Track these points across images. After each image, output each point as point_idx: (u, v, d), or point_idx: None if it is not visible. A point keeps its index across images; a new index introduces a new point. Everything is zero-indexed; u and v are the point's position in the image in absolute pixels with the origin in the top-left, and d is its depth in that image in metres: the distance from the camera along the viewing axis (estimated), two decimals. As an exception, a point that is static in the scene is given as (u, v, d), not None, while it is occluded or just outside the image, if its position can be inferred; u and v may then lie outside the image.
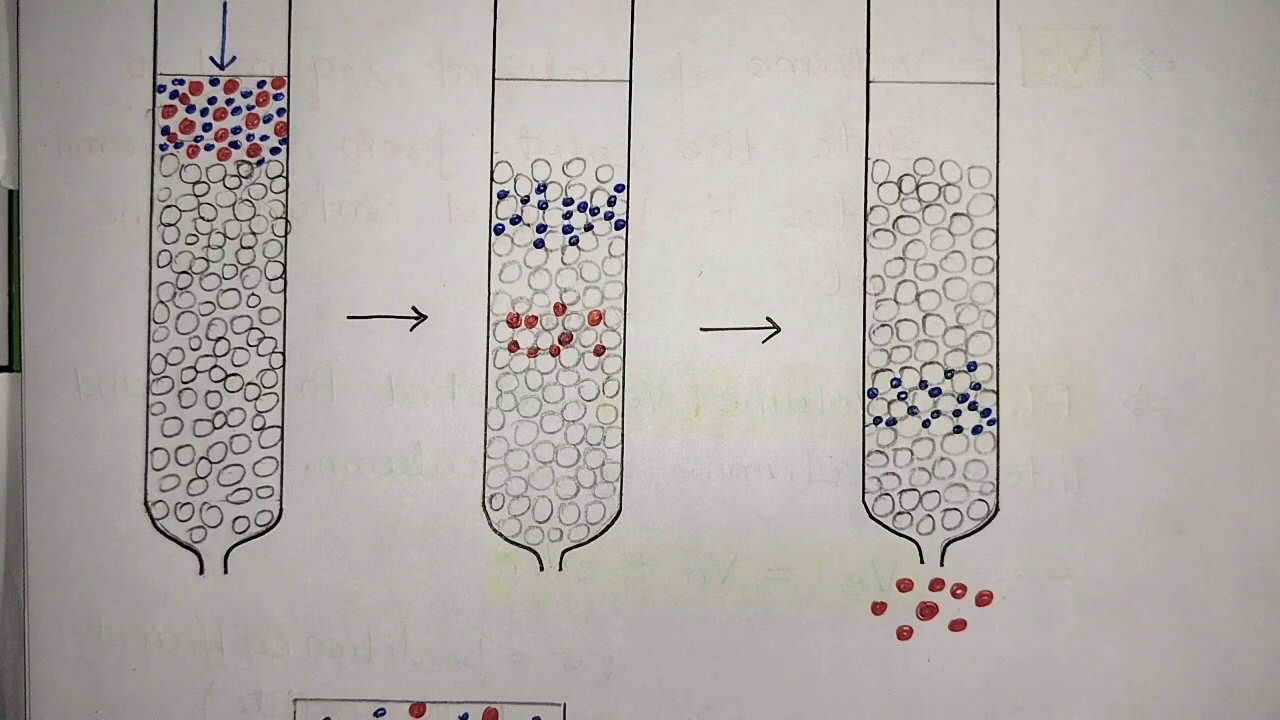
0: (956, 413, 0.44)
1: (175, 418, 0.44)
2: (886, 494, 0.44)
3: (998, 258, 0.44)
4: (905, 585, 0.44)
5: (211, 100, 0.44)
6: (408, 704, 0.43)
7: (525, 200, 0.44)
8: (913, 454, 0.44)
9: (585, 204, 0.44)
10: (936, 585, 0.44)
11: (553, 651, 0.44)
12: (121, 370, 0.44)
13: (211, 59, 0.44)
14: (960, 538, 0.44)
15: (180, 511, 0.44)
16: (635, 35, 0.44)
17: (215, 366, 0.44)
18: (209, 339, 0.44)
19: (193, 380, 0.44)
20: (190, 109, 0.44)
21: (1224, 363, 0.44)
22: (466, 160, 0.44)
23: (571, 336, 0.44)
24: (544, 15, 0.44)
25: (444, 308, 0.44)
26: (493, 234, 0.44)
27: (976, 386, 0.44)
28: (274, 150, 0.44)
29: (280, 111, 0.44)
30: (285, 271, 0.44)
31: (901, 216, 0.44)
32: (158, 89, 0.44)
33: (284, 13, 0.44)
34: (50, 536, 0.43)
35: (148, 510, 0.44)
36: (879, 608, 0.44)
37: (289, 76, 0.44)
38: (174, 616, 0.43)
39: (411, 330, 0.44)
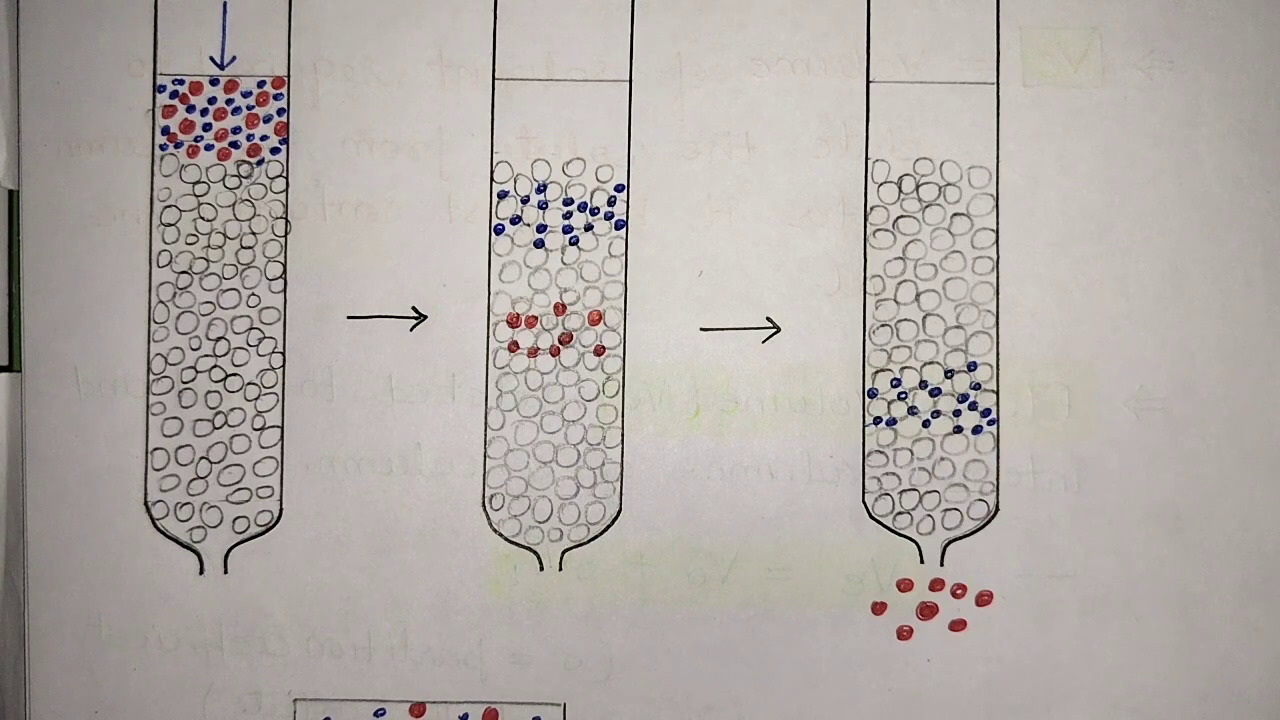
0: (956, 413, 0.44)
1: (175, 418, 0.44)
2: (886, 494, 0.44)
3: (998, 258, 0.44)
4: (905, 585, 0.44)
5: (211, 100, 0.44)
6: (408, 704, 0.43)
7: (525, 200, 0.44)
8: (913, 454, 0.44)
9: (585, 204, 0.44)
10: (936, 585, 0.44)
11: (553, 651, 0.44)
12: (121, 370, 0.44)
13: (211, 59, 0.44)
14: (960, 538, 0.44)
15: (180, 511, 0.44)
16: (635, 35, 0.44)
17: (215, 366, 0.44)
18: (209, 339, 0.44)
19: (193, 380, 0.44)
20: (190, 109, 0.44)
21: (1224, 363, 0.44)
22: (466, 160, 0.44)
23: (571, 336, 0.44)
24: (544, 15, 0.44)
25: (444, 308, 0.44)
26: (493, 234, 0.44)
27: (976, 386, 0.44)
28: (274, 150, 0.44)
29: (280, 111, 0.44)
30: (285, 271, 0.44)
31: (901, 216, 0.44)
32: (158, 89, 0.44)
33: (284, 13, 0.44)
34: (50, 536, 0.43)
35: (148, 510, 0.44)
36: (879, 608, 0.44)
37: (289, 76, 0.44)
38: (174, 616, 0.43)
39: (411, 330, 0.44)
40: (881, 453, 0.44)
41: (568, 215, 0.44)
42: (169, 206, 0.44)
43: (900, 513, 0.44)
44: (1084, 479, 0.44)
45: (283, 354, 0.44)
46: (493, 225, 0.44)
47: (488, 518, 0.44)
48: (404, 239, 0.44)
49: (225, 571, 0.44)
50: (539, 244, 0.44)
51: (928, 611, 0.44)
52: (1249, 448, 0.44)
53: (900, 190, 0.44)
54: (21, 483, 0.44)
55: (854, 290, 0.44)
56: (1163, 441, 0.44)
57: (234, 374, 0.44)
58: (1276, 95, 0.44)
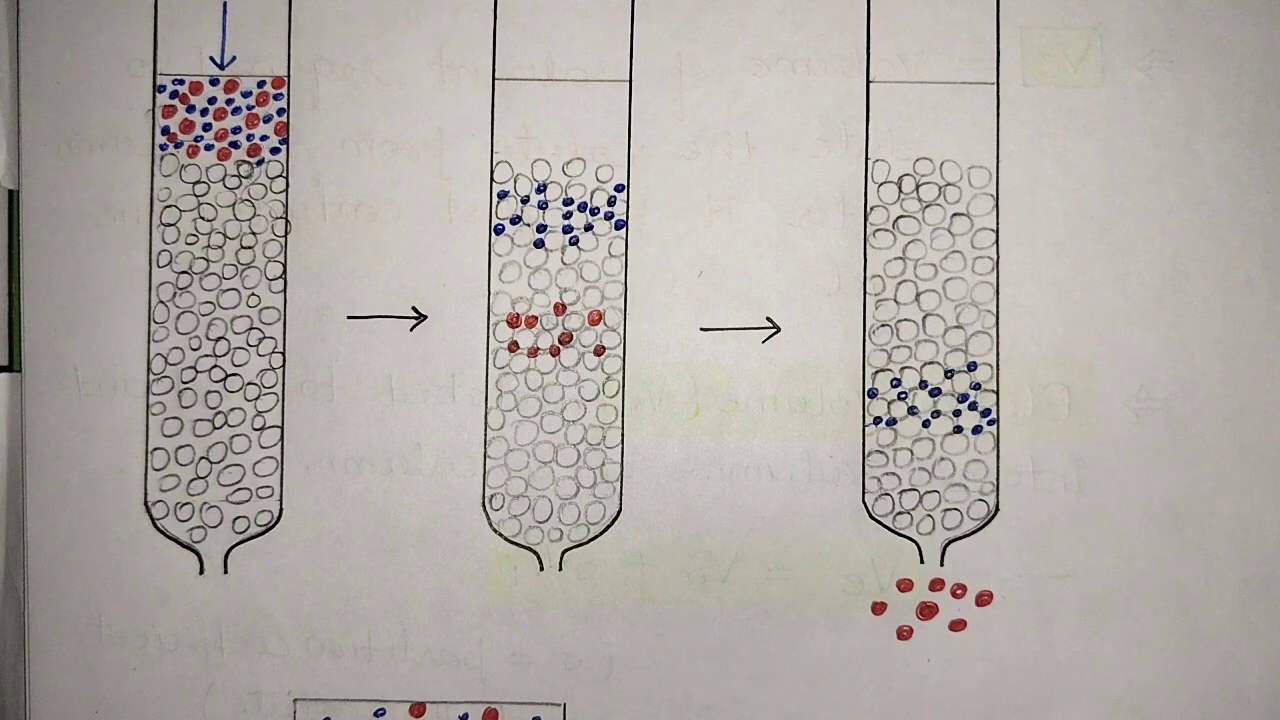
0: (956, 413, 0.44)
1: (175, 418, 0.44)
2: (886, 494, 0.44)
3: (998, 258, 0.44)
4: (905, 585, 0.44)
5: (211, 100, 0.44)
6: (408, 704, 0.43)
7: (525, 200, 0.44)
8: (913, 454, 0.44)
9: (585, 204, 0.44)
10: (936, 585, 0.44)
11: (553, 651, 0.44)
12: (121, 370, 0.44)
13: (211, 59, 0.44)
14: (960, 538, 0.44)
15: (180, 511, 0.44)
16: (635, 35, 0.44)
17: (215, 366, 0.44)
18: (209, 339, 0.44)
19: (193, 380, 0.44)
20: (190, 109, 0.44)
21: (1224, 363, 0.44)
22: (466, 160, 0.44)
23: (571, 336, 0.44)
24: (544, 15, 0.44)
25: (444, 308, 0.44)
26: (493, 234, 0.44)
27: (976, 386, 0.44)
28: (274, 150, 0.44)
29: (280, 111, 0.44)
30: (285, 271, 0.44)
31: (901, 216, 0.44)
32: (158, 89, 0.44)
33: (284, 13, 0.44)
34: (50, 536, 0.43)
35: (148, 510, 0.44)
36: (879, 608, 0.44)
37: (289, 76, 0.44)
38: (174, 616, 0.43)
39: (411, 330, 0.44)
40: (881, 453, 0.44)
41: (568, 215, 0.44)
42: (169, 206, 0.44)
43: (900, 513, 0.44)
44: (1084, 479, 0.44)
45: (283, 354, 0.44)
46: (493, 225, 0.44)
47: (488, 518, 0.44)
48: (404, 239, 0.44)
49: (225, 571, 0.44)
50: (539, 244, 0.44)
51: (928, 611, 0.44)
52: (1249, 448, 0.44)
53: (900, 190, 0.44)
54: (21, 483, 0.44)
55: (854, 290, 0.44)
56: (1163, 441, 0.44)
57: (234, 374, 0.44)
58: (1276, 95, 0.44)
